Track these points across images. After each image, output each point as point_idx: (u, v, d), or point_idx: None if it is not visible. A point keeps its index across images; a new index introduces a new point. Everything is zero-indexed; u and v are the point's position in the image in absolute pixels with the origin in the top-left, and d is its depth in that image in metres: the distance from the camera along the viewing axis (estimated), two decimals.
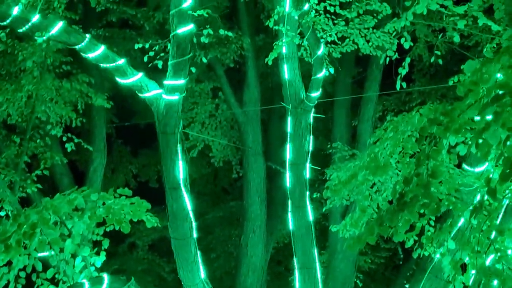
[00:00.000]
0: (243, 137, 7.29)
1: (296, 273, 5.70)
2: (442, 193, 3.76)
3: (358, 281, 7.98)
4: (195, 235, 5.44)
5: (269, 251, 7.75)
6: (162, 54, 5.24)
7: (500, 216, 4.04)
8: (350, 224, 4.62)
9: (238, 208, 8.51)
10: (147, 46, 5.07)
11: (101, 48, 4.36)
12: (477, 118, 2.35)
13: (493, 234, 3.55)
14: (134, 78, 4.66)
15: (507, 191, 3.68)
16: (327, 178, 5.85)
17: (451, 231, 3.78)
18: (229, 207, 9.44)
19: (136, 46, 5.28)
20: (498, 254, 3.40)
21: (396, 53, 5.07)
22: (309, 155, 5.98)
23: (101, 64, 4.62)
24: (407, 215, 2.55)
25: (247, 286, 6.46)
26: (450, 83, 5.29)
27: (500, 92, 2.28)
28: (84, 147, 6.67)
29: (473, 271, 3.55)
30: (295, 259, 5.66)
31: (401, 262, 8.93)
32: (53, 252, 3.66)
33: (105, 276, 3.76)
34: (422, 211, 3.68)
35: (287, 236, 6.65)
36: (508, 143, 2.11)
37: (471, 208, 3.51)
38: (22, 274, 3.85)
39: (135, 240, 9.19)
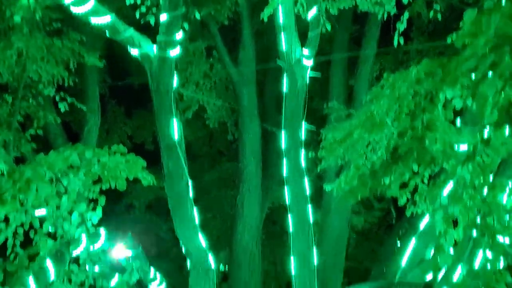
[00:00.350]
0: (238, 98, 7.23)
1: (291, 230, 5.79)
2: (437, 151, 3.77)
3: (351, 240, 8.15)
4: (191, 194, 5.48)
5: (265, 211, 7.85)
6: (154, 11, 5.12)
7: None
8: (344, 182, 4.63)
9: (234, 170, 8.55)
10: (138, 1, 4.94)
11: (91, 1, 4.24)
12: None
13: (485, 190, 3.58)
14: (126, 34, 4.56)
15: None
16: (323, 139, 5.84)
17: (444, 186, 3.81)
18: (225, 168, 9.49)
19: (128, 2, 5.14)
20: (489, 209, 3.44)
21: (395, 7, 4.96)
22: (305, 115, 5.96)
23: (92, 21, 4.51)
24: (401, 167, 2.56)
25: (243, 245, 6.58)
26: (449, 41, 5.20)
27: (499, 42, 2.24)
28: (78, 108, 6.62)
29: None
30: (289, 216, 5.74)
31: (394, 222, 9.08)
32: (49, 209, 3.69)
33: (102, 231, 3.81)
34: (416, 169, 3.69)
35: (282, 197, 6.71)
36: (504, 91, 2.09)
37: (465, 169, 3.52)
38: (20, 230, 3.89)
39: (132, 201, 9.28)
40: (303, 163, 5.97)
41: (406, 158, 2.58)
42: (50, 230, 3.59)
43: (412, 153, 2.57)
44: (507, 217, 3.56)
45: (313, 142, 6.93)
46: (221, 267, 8.83)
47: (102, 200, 4.05)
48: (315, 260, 5.85)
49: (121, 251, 4.11)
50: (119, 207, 9.27)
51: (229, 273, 7.01)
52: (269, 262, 9.43)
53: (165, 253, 9.07)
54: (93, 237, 3.74)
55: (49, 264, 3.33)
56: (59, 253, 3.48)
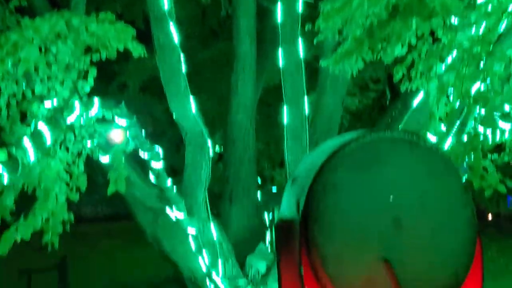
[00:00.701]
0: None
1: (284, 108, 5.84)
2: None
3: (344, 121, 8.28)
4: (183, 68, 5.40)
5: (259, 91, 7.81)
6: None
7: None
8: (341, 54, 4.53)
9: (228, 49, 8.35)
10: None
11: None
12: None
13: (482, 61, 3.52)
14: None
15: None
16: (321, 12, 5.59)
17: (442, 56, 3.75)
18: (219, 48, 9.27)
19: None
20: (484, 77, 3.42)
21: None
22: None
23: None
24: (399, 23, 2.46)
25: (237, 121, 6.63)
26: None
27: None
28: None
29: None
30: (284, 94, 5.75)
31: (387, 103, 9.16)
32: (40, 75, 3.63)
33: (96, 99, 3.80)
34: (412, 38, 3.57)
35: (277, 76, 6.63)
36: None
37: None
38: (13, 101, 3.88)
39: (126, 80, 9.19)
40: (299, 38, 5.82)
41: (404, 14, 2.47)
42: (42, 94, 3.57)
43: (411, 8, 2.45)
44: (501, 86, 3.56)
45: (311, 19, 6.65)
46: (217, 148, 9.07)
47: (93, 71, 3.99)
48: (307, 139, 6.00)
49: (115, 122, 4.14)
50: (111, 87, 9.20)
51: (224, 149, 7.20)
52: (263, 143, 9.70)
53: (161, 133, 9.25)
54: (86, 104, 3.75)
55: (44, 128, 3.37)
56: (53, 118, 3.51)
